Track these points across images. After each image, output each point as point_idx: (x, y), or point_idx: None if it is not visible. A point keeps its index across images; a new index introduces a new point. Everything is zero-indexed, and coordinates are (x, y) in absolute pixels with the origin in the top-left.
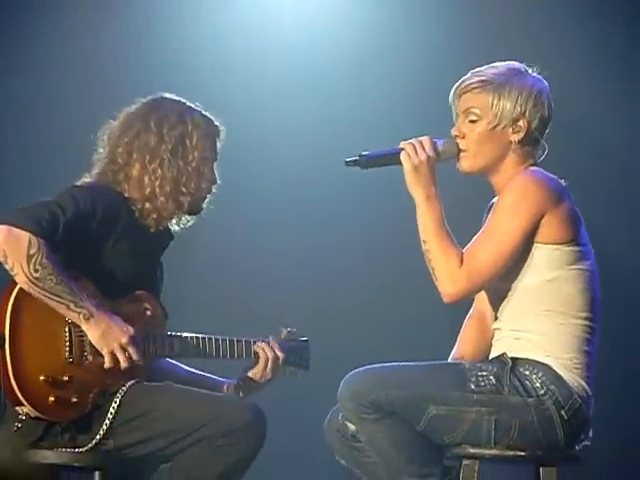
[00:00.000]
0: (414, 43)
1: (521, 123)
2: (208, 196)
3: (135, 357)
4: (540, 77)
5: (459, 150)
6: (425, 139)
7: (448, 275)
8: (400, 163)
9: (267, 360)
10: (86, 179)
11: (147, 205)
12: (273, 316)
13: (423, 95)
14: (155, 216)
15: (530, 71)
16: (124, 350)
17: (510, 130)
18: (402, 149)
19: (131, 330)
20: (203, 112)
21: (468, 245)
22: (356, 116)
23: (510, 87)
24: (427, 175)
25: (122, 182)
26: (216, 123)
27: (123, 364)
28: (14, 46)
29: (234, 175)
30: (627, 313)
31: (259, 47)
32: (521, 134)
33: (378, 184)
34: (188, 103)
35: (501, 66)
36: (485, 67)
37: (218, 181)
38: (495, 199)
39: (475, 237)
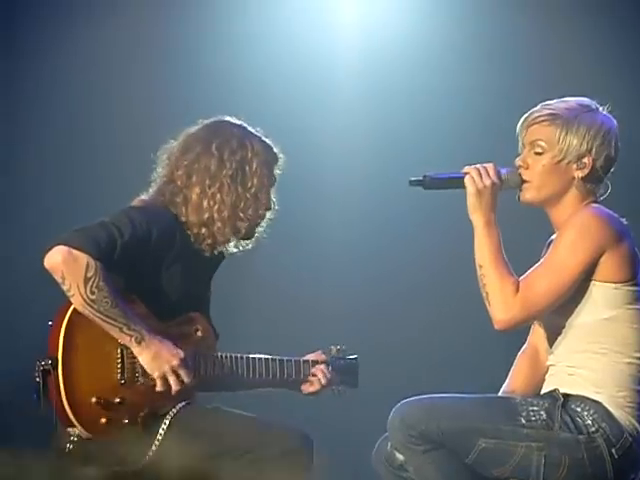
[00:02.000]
0: (484, 71)
1: (586, 160)
2: (263, 221)
3: (186, 379)
4: (610, 116)
5: (522, 181)
6: (490, 166)
7: (502, 302)
8: (463, 187)
9: (323, 386)
10: (142, 198)
11: (203, 230)
12: (325, 339)
13: (491, 123)
14: (210, 241)
15: (601, 109)
16: (175, 373)
17: (575, 166)
18: (466, 173)
19: (181, 353)
20: (263, 138)
21: (524, 275)
22: (420, 140)
23: (579, 123)
24: (489, 201)
25: (180, 205)
26: (275, 150)
27: (174, 387)
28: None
29: (287, 197)
30: None
31: (319, 66)
32: (585, 171)
33: (436, 209)
34: (249, 128)
35: (572, 101)
36: (555, 101)
37: (275, 207)
38: (554, 236)
39: (532, 268)
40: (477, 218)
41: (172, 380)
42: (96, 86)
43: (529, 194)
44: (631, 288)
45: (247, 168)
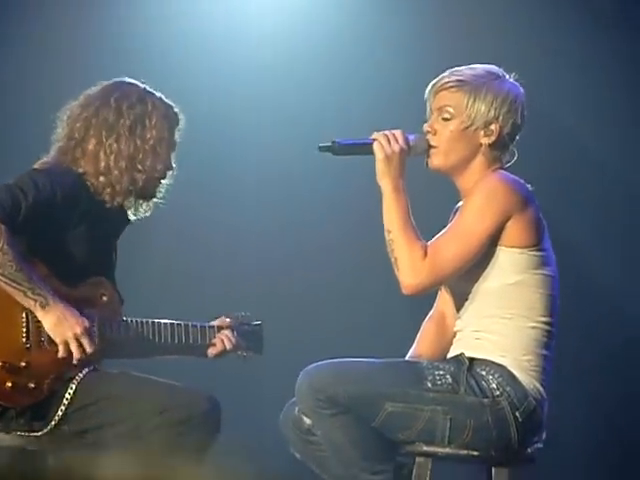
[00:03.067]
0: (393, 37)
1: (493, 127)
2: (163, 182)
3: (88, 349)
4: (517, 83)
5: (430, 146)
6: (397, 132)
7: (410, 266)
8: (372, 153)
9: (225, 350)
10: (45, 159)
11: (101, 179)
12: (232, 302)
13: (399, 90)
14: (109, 190)
15: (507, 77)
16: (78, 341)
17: (482, 133)
18: (375, 140)
19: (86, 322)
20: (164, 98)
21: (432, 240)
22: (329, 106)
23: (487, 90)
24: (397, 167)
25: (79, 159)
26: (176, 110)
27: (76, 354)
28: None
29: (199, 157)
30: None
31: (232, 41)
32: (492, 138)
33: (345, 171)
34: (149, 88)
35: (480, 68)
36: (464, 68)
37: (174, 168)
38: (460, 203)
39: (440, 233)
40: (385, 184)
41: (74, 347)
42: (11, 83)
43: (436, 160)
44: (537, 253)
45: (147, 121)
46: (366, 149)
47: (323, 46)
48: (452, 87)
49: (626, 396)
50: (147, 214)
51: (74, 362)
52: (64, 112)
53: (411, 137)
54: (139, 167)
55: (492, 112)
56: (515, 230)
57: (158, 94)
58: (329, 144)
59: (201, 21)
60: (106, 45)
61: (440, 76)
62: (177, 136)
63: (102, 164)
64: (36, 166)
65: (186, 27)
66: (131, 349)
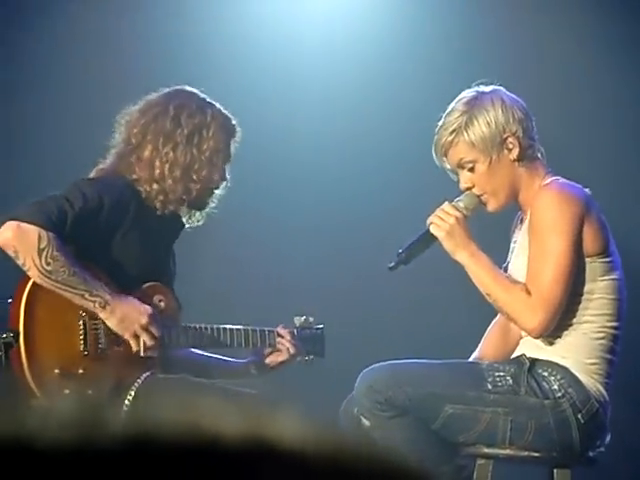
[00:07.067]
0: (434, 57)
1: (510, 140)
2: (216, 192)
3: (157, 334)
4: (493, 88)
5: (479, 197)
6: (445, 204)
7: (524, 311)
8: (436, 239)
9: (288, 357)
10: (102, 166)
11: (155, 186)
12: (292, 306)
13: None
14: (162, 198)
15: (482, 89)
16: (146, 330)
17: (505, 152)
18: (430, 224)
19: (149, 309)
20: (223, 109)
21: (526, 279)
22: (371, 122)
23: (476, 120)
24: (462, 235)
25: (134, 164)
26: (234, 122)
27: (149, 342)
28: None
29: (252, 173)
30: None
31: (280, 54)
32: (517, 149)
33: (396, 181)
34: (209, 99)
35: (456, 105)
36: (443, 116)
37: (228, 180)
38: (520, 213)
39: (527, 271)
40: (461, 256)
41: (145, 337)
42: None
43: (491, 205)
44: (605, 259)
45: (204, 131)
46: (429, 239)
47: (370, 65)
48: (452, 142)
49: None
50: (200, 223)
51: (135, 362)
52: (122, 117)
53: (459, 201)
54: (194, 177)
55: (497, 131)
56: (585, 238)
57: (218, 105)
58: (396, 259)
59: (246, 40)
60: (166, 48)
61: (434, 141)
62: (233, 148)
63: (157, 172)
64: (90, 175)
65: (234, 46)
66: (190, 368)
